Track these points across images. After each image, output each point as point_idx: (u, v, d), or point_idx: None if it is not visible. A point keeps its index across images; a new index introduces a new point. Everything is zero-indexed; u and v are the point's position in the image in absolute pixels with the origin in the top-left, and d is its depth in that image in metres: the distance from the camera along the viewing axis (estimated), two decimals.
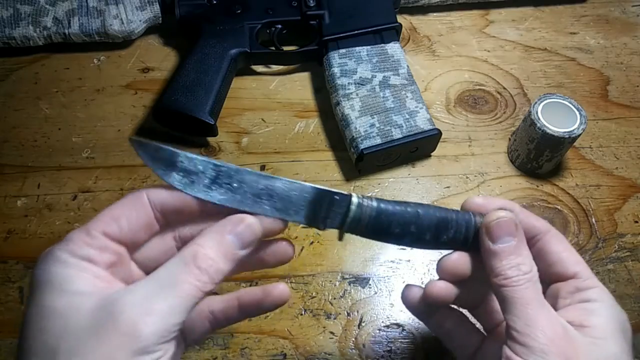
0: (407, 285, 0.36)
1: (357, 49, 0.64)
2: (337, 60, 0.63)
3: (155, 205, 0.31)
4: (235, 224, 0.30)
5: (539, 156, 0.58)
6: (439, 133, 0.59)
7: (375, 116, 0.59)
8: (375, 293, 0.53)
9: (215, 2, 0.66)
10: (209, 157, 0.62)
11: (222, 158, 0.62)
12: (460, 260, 0.34)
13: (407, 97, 0.60)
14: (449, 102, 0.67)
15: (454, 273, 0.34)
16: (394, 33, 0.65)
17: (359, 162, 0.58)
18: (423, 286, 0.36)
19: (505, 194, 0.60)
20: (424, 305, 0.36)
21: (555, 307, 0.33)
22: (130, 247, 0.31)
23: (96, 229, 0.29)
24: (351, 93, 0.60)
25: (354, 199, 0.33)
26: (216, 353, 0.49)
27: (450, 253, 0.35)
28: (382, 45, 0.64)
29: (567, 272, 0.33)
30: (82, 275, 0.27)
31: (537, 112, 0.56)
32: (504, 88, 0.68)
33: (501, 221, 0.32)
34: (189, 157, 0.31)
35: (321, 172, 0.61)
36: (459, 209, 0.36)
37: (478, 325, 0.39)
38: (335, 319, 0.51)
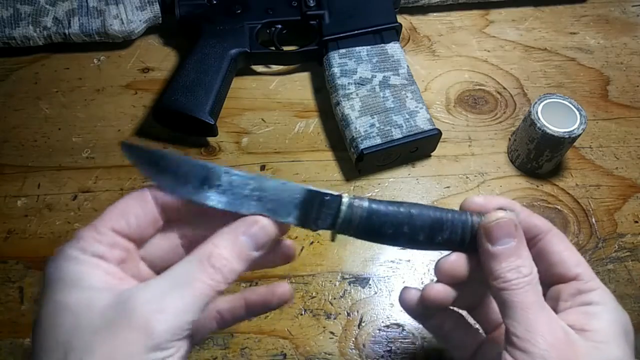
0: (405, 288, 0.36)
1: (357, 49, 0.64)
2: (337, 60, 0.63)
3: (157, 202, 0.31)
4: (249, 225, 0.30)
5: (539, 156, 0.58)
6: (439, 133, 0.59)
7: (375, 116, 0.59)
8: (375, 293, 0.53)
9: (215, 2, 0.66)
10: (208, 158, 0.62)
11: (222, 158, 0.62)
12: (457, 262, 0.33)
13: (407, 97, 0.60)
14: (449, 102, 0.67)
15: (452, 275, 0.34)
16: (394, 33, 0.65)
17: (359, 162, 0.58)
18: (420, 289, 0.35)
19: (505, 194, 0.60)
20: (421, 307, 0.35)
21: (556, 309, 0.32)
22: (138, 243, 0.31)
23: (105, 226, 0.29)
24: (351, 93, 0.60)
25: (344, 200, 0.32)
26: (216, 353, 0.49)
27: (448, 255, 0.34)
28: (382, 45, 0.64)
29: (568, 274, 0.33)
30: (93, 272, 0.28)
31: (537, 112, 0.56)
32: (504, 88, 0.68)
33: (500, 222, 0.32)
34: (177, 159, 0.31)
35: (321, 172, 0.61)
36: (458, 209, 0.35)
37: (477, 326, 0.39)
38: (335, 319, 0.51)
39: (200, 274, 0.28)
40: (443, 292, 0.34)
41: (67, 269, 0.28)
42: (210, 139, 0.63)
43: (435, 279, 0.35)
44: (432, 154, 0.62)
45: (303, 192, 0.32)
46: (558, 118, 0.56)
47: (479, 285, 0.34)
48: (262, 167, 0.61)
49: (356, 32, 0.64)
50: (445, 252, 0.35)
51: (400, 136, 0.58)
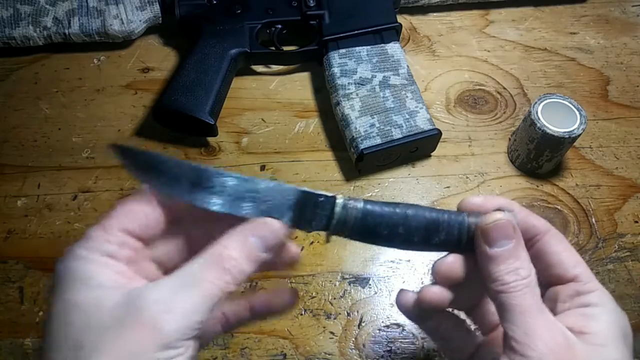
0: (401, 290, 0.36)
1: (357, 49, 0.64)
2: (337, 60, 0.63)
3: (160, 202, 0.31)
4: (259, 227, 0.30)
5: (539, 156, 0.58)
6: (439, 133, 0.59)
7: (375, 116, 0.59)
8: (375, 293, 0.53)
9: (215, 2, 0.66)
10: (208, 158, 0.62)
11: (222, 158, 0.62)
12: (454, 264, 0.33)
13: (407, 97, 0.60)
14: (449, 102, 0.67)
15: (449, 277, 0.33)
16: (394, 33, 0.65)
17: (359, 162, 0.58)
18: (417, 291, 0.35)
19: (505, 194, 0.60)
20: (418, 310, 0.35)
21: (554, 311, 0.32)
22: (147, 243, 0.31)
23: (114, 226, 0.29)
24: (351, 93, 0.60)
25: (339, 201, 0.32)
26: (216, 353, 0.49)
27: (444, 256, 0.34)
28: (382, 45, 0.64)
29: (567, 275, 0.32)
30: (103, 271, 0.28)
31: (537, 112, 0.56)
32: (504, 88, 0.68)
33: (498, 223, 0.31)
34: (167, 161, 0.31)
35: (321, 172, 0.61)
36: (462, 200, 0.35)
37: (474, 327, 0.39)
38: (335, 319, 0.51)
39: (209, 274, 0.28)
40: (439, 294, 0.33)
41: (76, 268, 0.28)
42: (210, 139, 0.63)
43: (432, 280, 0.35)
44: (432, 154, 0.62)
45: (297, 194, 0.32)
46: (558, 118, 0.56)
47: (476, 286, 0.34)
48: (262, 167, 0.61)
49: (356, 32, 0.64)
50: (442, 253, 0.35)
51: (400, 136, 0.58)
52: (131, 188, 0.59)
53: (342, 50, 0.63)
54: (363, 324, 0.51)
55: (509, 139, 0.64)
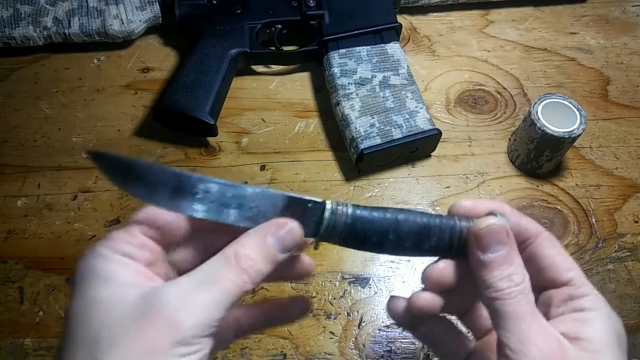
0: (392, 297, 0.35)
1: (357, 49, 0.64)
2: (337, 60, 0.63)
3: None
4: (277, 228, 0.30)
5: (539, 156, 0.58)
6: (439, 133, 0.59)
7: (375, 116, 0.59)
8: (375, 293, 0.53)
9: (215, 2, 0.66)
10: (207, 158, 0.62)
11: (222, 158, 0.62)
12: (445, 269, 0.33)
13: (407, 97, 0.60)
14: (449, 102, 0.67)
15: (440, 283, 0.33)
16: (394, 33, 0.65)
17: (359, 162, 0.58)
18: (407, 297, 0.34)
19: (505, 194, 0.60)
20: (409, 316, 0.34)
21: (547, 315, 0.32)
22: (167, 248, 0.32)
23: (136, 228, 0.30)
24: (351, 93, 0.60)
25: (328, 206, 0.31)
26: (216, 353, 0.49)
27: (435, 262, 0.33)
28: (382, 45, 0.64)
29: (560, 279, 0.32)
30: (123, 270, 0.28)
31: (537, 112, 0.56)
32: (504, 88, 0.68)
33: (491, 229, 0.31)
34: (148, 167, 0.30)
35: (321, 172, 0.61)
36: (453, 204, 0.34)
37: (467, 331, 0.38)
38: (335, 319, 0.51)
39: (226, 273, 0.28)
40: (430, 300, 0.33)
41: (97, 266, 0.28)
42: (210, 139, 0.63)
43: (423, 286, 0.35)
44: (432, 154, 0.62)
45: (285, 200, 0.31)
46: (558, 118, 0.56)
47: (468, 291, 0.33)
48: (262, 167, 0.61)
49: (356, 32, 0.64)
50: (433, 258, 0.34)
51: (400, 136, 0.58)
52: None
53: (342, 50, 0.64)
54: (363, 324, 0.51)
55: (509, 139, 0.64)
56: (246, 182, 0.59)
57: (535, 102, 0.57)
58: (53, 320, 0.51)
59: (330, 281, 0.54)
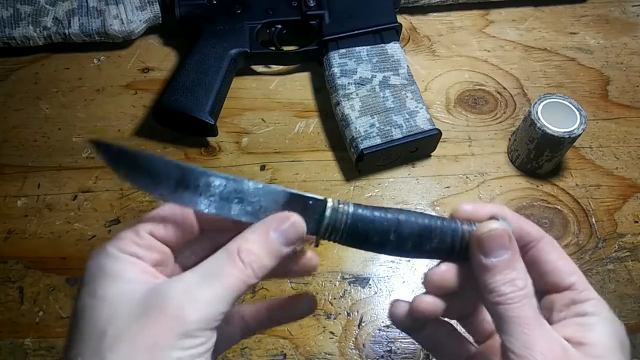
0: (395, 301, 0.35)
1: (357, 49, 0.64)
2: (337, 60, 0.63)
3: (196, 212, 0.32)
4: (280, 222, 0.30)
5: (539, 156, 0.58)
6: (439, 133, 0.59)
7: (375, 116, 0.59)
8: (375, 293, 0.53)
9: (215, 2, 0.66)
10: (207, 158, 0.62)
11: (222, 158, 0.62)
12: (447, 273, 0.32)
13: (407, 97, 0.60)
14: (449, 102, 0.67)
15: (442, 286, 0.33)
16: (394, 33, 0.65)
17: (359, 162, 0.58)
18: (410, 300, 0.34)
19: (505, 194, 0.60)
20: (411, 320, 0.34)
21: (550, 320, 0.32)
22: (174, 249, 0.32)
23: (144, 229, 0.30)
24: (351, 93, 0.60)
25: (329, 204, 0.31)
26: None
27: (437, 266, 0.33)
28: (382, 45, 0.64)
29: (562, 283, 0.32)
30: (131, 268, 0.29)
31: (537, 112, 0.56)
32: (504, 88, 0.68)
33: (494, 233, 0.30)
34: (151, 158, 0.31)
35: (321, 172, 0.61)
36: (454, 207, 0.34)
37: (468, 336, 0.38)
38: (335, 319, 0.51)
39: (230, 268, 0.29)
40: (432, 303, 0.33)
41: (105, 265, 0.28)
42: (210, 139, 0.63)
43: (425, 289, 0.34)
44: (432, 154, 0.62)
45: (286, 196, 0.31)
46: (558, 118, 0.56)
47: (469, 294, 0.34)
48: (262, 167, 0.61)
49: (356, 32, 0.64)
50: (434, 261, 0.34)
51: (400, 136, 0.58)
52: (132, 188, 0.59)
53: (342, 50, 0.64)
54: (363, 324, 0.51)
55: (509, 139, 0.64)
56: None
57: (535, 102, 0.57)
58: (53, 320, 0.51)
59: (330, 281, 0.54)
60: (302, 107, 0.66)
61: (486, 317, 0.36)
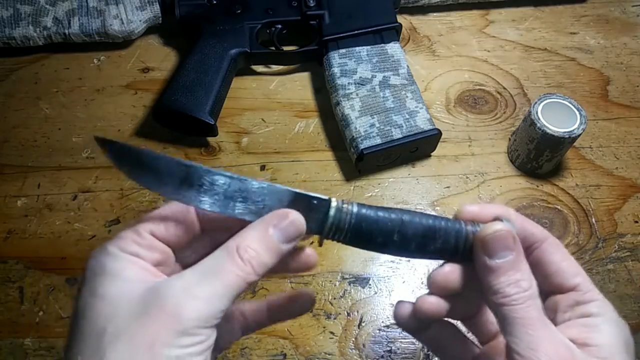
0: (399, 302, 0.35)
1: (357, 49, 0.64)
2: (337, 60, 0.63)
3: (198, 212, 0.32)
4: (279, 219, 0.30)
5: (539, 156, 0.58)
6: (439, 133, 0.59)
7: (375, 116, 0.59)
8: (375, 293, 0.53)
9: (215, 2, 0.66)
10: (208, 158, 0.62)
11: (222, 158, 0.62)
12: (451, 274, 0.32)
13: (407, 97, 0.60)
14: (449, 102, 0.67)
15: (446, 287, 0.32)
16: (394, 33, 0.65)
17: (359, 162, 0.58)
18: (413, 301, 0.34)
19: (505, 194, 0.60)
20: (414, 320, 0.34)
21: (554, 321, 0.32)
22: (175, 249, 0.32)
23: (145, 229, 0.30)
24: (351, 93, 0.60)
25: (333, 204, 0.31)
26: None
27: (441, 266, 0.33)
28: (382, 45, 0.64)
29: (566, 284, 0.32)
30: (131, 267, 0.29)
31: (537, 112, 0.56)
32: (504, 88, 0.68)
33: (498, 234, 0.31)
34: (156, 156, 0.31)
35: (321, 172, 0.61)
36: (458, 208, 0.34)
37: (472, 336, 0.38)
38: (335, 319, 0.51)
39: (229, 265, 0.29)
40: (436, 304, 0.33)
41: (106, 264, 0.29)
42: (210, 139, 0.63)
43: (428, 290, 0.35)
44: (432, 154, 0.62)
45: (290, 195, 0.31)
46: (558, 118, 0.56)
47: (473, 295, 0.34)
48: (262, 167, 0.61)
49: (356, 32, 0.64)
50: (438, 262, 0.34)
51: (400, 136, 0.58)
52: (131, 188, 0.59)
53: (342, 50, 0.64)
54: (363, 324, 0.51)
55: (509, 139, 0.64)
56: None
57: (535, 102, 0.57)
58: (53, 320, 0.51)
59: (330, 281, 0.54)
60: (302, 107, 0.66)
61: (490, 317, 0.36)
